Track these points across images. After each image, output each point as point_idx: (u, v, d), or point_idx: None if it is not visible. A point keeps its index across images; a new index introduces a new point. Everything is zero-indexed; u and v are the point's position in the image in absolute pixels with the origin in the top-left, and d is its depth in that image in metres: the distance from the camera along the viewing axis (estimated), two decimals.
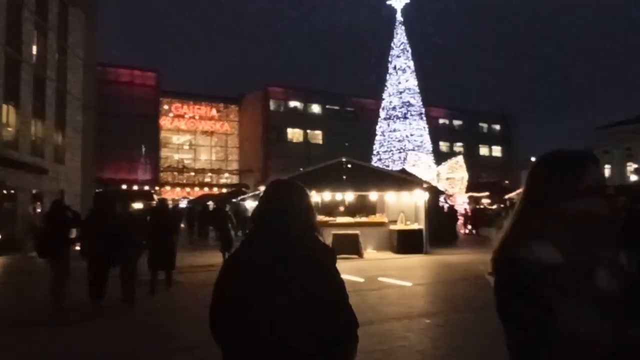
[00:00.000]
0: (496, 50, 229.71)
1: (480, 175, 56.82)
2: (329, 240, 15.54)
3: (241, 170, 67.73)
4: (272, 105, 65.91)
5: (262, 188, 17.34)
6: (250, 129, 66.30)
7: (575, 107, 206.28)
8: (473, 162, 32.09)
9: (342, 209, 19.01)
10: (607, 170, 78.48)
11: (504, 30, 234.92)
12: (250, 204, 25.08)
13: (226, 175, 68.47)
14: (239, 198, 32.64)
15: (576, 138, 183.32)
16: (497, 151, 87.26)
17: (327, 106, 69.19)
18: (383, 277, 11.63)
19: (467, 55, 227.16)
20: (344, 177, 17.36)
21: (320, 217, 18.11)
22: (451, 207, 26.90)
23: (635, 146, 75.97)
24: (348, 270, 13.00)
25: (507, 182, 67.24)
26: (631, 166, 74.80)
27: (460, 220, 27.82)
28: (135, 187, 50.09)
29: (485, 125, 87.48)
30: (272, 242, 1.90)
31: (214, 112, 67.70)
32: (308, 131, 66.24)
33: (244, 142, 68.34)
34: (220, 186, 63.11)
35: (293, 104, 67.59)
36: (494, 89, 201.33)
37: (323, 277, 1.93)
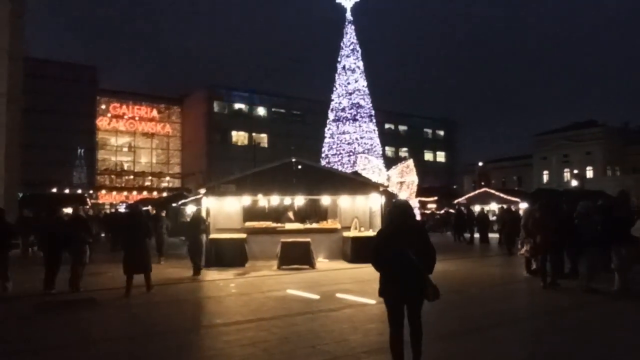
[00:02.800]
0: (440, 56, 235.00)
1: (425, 180, 56.85)
2: (277, 249, 14.19)
3: (183, 174, 65.18)
4: (216, 107, 63.88)
5: (203, 191, 15.78)
6: (193, 131, 64.03)
7: (517, 113, 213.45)
8: (418, 167, 31.42)
9: (291, 214, 17.53)
10: (545, 176, 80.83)
11: (448, 37, 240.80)
12: (191, 209, 23.08)
13: (168, 178, 65.76)
14: (180, 203, 30.64)
15: (516, 144, 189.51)
16: (441, 157, 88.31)
17: (273, 108, 67.73)
18: (341, 293, 10.17)
19: (410, 61, 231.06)
20: (294, 179, 15.90)
21: (267, 224, 16.63)
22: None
23: (572, 153, 78.47)
24: (300, 284, 11.50)
25: (454, 186, 67.88)
26: (568, 172, 77.16)
27: None
28: (67, 191, 46.93)
29: (429, 131, 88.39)
30: (399, 224, 5.21)
31: (154, 113, 64.93)
32: (253, 134, 64.54)
33: (186, 145, 65.88)
34: (161, 190, 60.51)
35: (238, 105, 65.78)
36: (438, 95, 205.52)
37: (420, 233, 5.33)
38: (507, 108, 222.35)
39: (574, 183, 61.37)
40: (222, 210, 16.22)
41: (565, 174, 77.17)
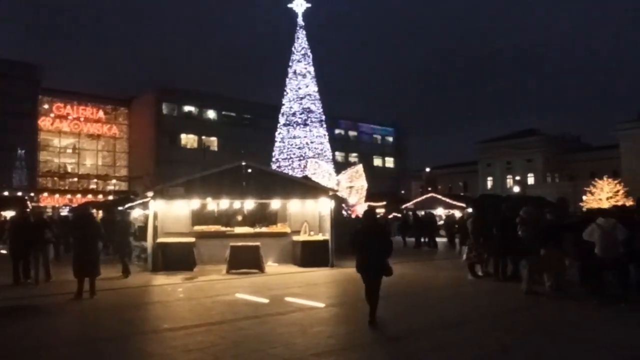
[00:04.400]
0: (390, 64, 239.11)
1: (374, 185, 57.57)
2: (226, 253, 14.07)
3: (130, 177, 63.51)
4: (165, 109, 62.69)
5: (151, 194, 15.47)
6: (141, 133, 62.53)
7: (464, 121, 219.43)
8: (367, 172, 31.89)
9: (240, 218, 17.40)
10: (489, 182, 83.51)
11: (400, 45, 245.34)
12: (138, 213, 22.50)
13: (114, 181, 63.88)
14: (126, 206, 29.83)
15: (463, 151, 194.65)
16: (390, 162, 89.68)
17: (224, 112, 67.10)
18: (290, 297, 10.19)
19: (361, 67, 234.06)
20: (244, 183, 15.81)
21: (216, 227, 16.46)
22: (357, 217, 26.27)
23: (514, 160, 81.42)
24: (249, 288, 11.46)
25: (402, 191, 69.05)
26: (511, 178, 79.98)
27: None
28: (6, 193, 44.78)
29: (379, 137, 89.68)
30: (370, 225, 8.14)
31: (101, 114, 63.04)
32: (203, 137, 63.70)
33: (133, 147, 64.26)
34: (107, 193, 58.70)
35: (187, 108, 64.80)
36: (388, 102, 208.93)
37: (384, 233, 8.46)
38: (454, 116, 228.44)
39: (516, 189, 63.62)
40: (170, 213, 15.95)
41: (508, 180, 79.96)
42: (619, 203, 37.56)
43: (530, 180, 77.04)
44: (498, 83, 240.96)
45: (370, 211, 8.78)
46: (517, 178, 74.88)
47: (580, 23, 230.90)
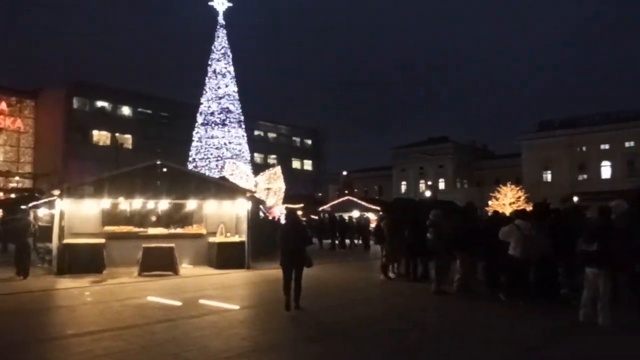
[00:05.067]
0: (312, 68, 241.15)
1: (292, 188, 57.87)
2: (138, 255, 13.60)
3: (35, 174, 59.60)
4: (76, 104, 59.48)
5: (57, 192, 14.64)
6: (48, 128, 58.80)
7: (381, 127, 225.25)
8: (286, 174, 32.03)
9: (154, 218, 16.89)
10: (403, 186, 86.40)
11: (322, 49, 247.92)
12: (43, 212, 21.21)
13: (17, 178, 59.62)
14: (30, 205, 28.04)
15: (379, 156, 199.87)
16: (308, 165, 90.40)
17: (140, 109, 64.68)
18: (205, 300, 10.02)
19: (282, 70, 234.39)
20: (159, 182, 15.36)
21: (128, 228, 15.89)
22: (275, 219, 26.37)
23: (426, 165, 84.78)
24: (162, 291, 11.15)
25: (319, 194, 69.83)
26: (423, 183, 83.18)
27: None
28: None
29: (298, 140, 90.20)
30: (293, 223, 9.62)
31: (3, 105, 58.63)
32: (117, 134, 61.06)
33: (40, 143, 60.28)
34: (8, 191, 54.70)
35: (101, 103, 61.86)
36: (308, 105, 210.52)
37: (303, 229, 9.86)
38: (372, 122, 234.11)
39: (428, 193, 66.20)
40: (79, 213, 15.18)
41: (420, 185, 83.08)
42: (520, 208, 40.11)
43: (442, 185, 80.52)
44: (414, 91, 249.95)
45: (293, 212, 11.24)
46: (429, 183, 78.01)
47: (491, 39, 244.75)
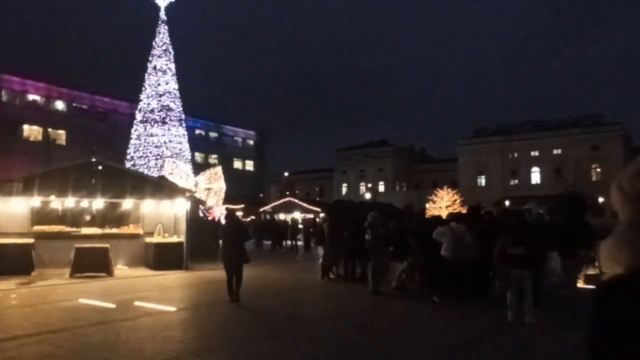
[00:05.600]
0: (255, 68, 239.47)
1: (233, 188, 57.33)
2: (70, 255, 13.08)
3: None
4: (4, 96, 56.46)
5: None
6: None
7: (323, 129, 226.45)
8: (227, 174, 31.64)
9: (88, 218, 16.30)
10: (344, 188, 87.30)
11: (266, 50, 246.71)
12: None
13: None
14: None
15: (321, 158, 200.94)
16: (250, 165, 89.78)
17: (75, 104, 62.14)
18: (140, 301, 9.76)
19: (225, 69, 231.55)
20: (94, 180, 14.84)
21: (60, 228, 15.27)
22: (215, 219, 26.08)
23: (367, 168, 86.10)
24: (95, 293, 10.78)
25: (261, 195, 69.45)
26: (364, 185, 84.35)
27: None
28: None
29: (240, 140, 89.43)
30: (233, 223, 10.91)
31: None
32: (49, 129, 58.37)
33: None
34: None
35: (32, 97, 58.96)
36: (251, 106, 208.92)
37: (243, 228, 11.52)
38: (315, 124, 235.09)
39: (368, 196, 67.19)
40: (5, 212, 14.44)
41: (361, 187, 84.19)
42: (456, 211, 41.44)
43: (381, 188, 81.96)
44: (357, 95, 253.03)
45: (233, 212, 12.92)
46: (370, 185, 79.21)
47: (432, 46, 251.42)
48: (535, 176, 73.74)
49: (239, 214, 42.07)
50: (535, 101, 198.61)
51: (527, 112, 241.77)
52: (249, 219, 39.17)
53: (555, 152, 71.88)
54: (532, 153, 73.31)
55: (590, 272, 12.13)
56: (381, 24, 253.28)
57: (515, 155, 74.53)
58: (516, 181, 74.34)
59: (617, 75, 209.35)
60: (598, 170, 69.28)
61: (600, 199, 60.53)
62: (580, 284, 11.70)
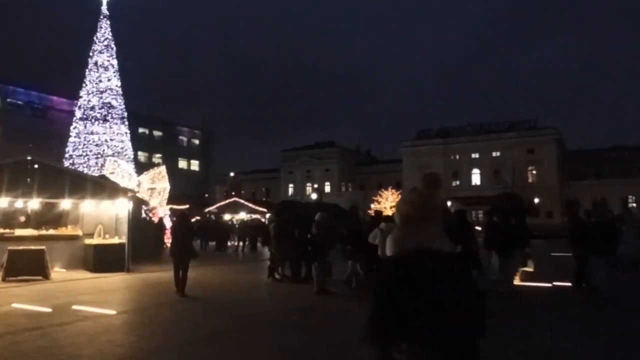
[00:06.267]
0: (201, 68, 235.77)
1: (178, 188, 56.31)
2: (2, 258, 12.49)
3: None
4: None
5: None
6: None
7: (270, 129, 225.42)
8: (172, 174, 31.01)
9: (23, 218, 15.61)
10: (291, 189, 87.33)
11: (213, 48, 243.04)
12: None
13: None
14: None
15: (268, 159, 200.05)
16: (195, 165, 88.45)
17: (9, 99, 59.30)
18: (78, 305, 9.43)
19: (170, 67, 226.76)
20: (29, 179, 14.22)
21: None
22: (160, 220, 25.56)
23: (313, 169, 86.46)
24: (30, 297, 10.35)
25: (206, 195, 68.44)
26: (310, 186, 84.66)
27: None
28: None
29: (185, 139, 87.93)
30: (183, 223, 11.92)
31: None
32: None
33: None
34: None
35: None
36: (196, 104, 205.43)
37: (191, 227, 13.27)
38: (262, 123, 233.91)
39: (314, 196, 67.51)
40: None
41: (307, 187, 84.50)
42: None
43: (328, 188, 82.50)
44: (304, 96, 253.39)
45: (183, 212, 13.76)
46: (316, 186, 79.59)
47: (379, 49, 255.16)
48: (476, 178, 76.23)
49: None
50: (476, 104, 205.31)
51: (468, 115, 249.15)
52: (193, 220, 38.60)
53: (494, 154, 74.54)
54: (473, 155, 75.77)
55: (527, 269, 12.71)
56: (325, 24, 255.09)
57: (457, 157, 76.82)
58: (457, 182, 76.60)
59: (552, 81, 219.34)
60: (534, 172, 72.37)
61: (536, 200, 63.26)
62: (516, 281, 12.23)
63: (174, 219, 30.31)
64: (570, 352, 6.56)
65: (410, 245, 2.39)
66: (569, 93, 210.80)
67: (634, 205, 64.65)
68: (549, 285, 12.24)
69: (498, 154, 73.96)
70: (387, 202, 58.50)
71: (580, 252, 11.75)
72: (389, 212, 44.88)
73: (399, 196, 59.34)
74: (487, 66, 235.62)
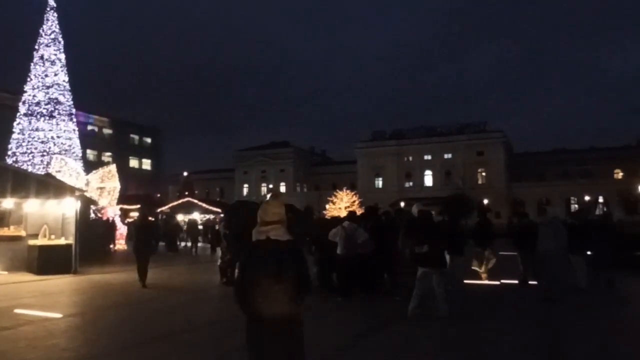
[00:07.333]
0: (152, 64, 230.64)
1: (129, 188, 54.95)
2: None
3: None
4: None
5: None
6: None
7: (225, 129, 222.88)
8: (123, 173, 30.27)
9: None
10: (245, 189, 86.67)
11: (164, 44, 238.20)
12: None
13: None
14: None
15: (221, 158, 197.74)
16: (147, 164, 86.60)
17: None
18: (20, 309, 9.04)
19: (121, 64, 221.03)
20: None
21: None
22: (110, 220, 24.93)
23: (268, 169, 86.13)
24: None
25: (158, 195, 67.04)
26: (265, 186, 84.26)
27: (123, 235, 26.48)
28: None
29: (136, 137, 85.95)
30: (144, 222, 13.80)
31: None
32: None
33: None
34: None
35: None
36: (148, 102, 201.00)
37: (153, 225, 16.26)
38: (215, 123, 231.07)
39: (269, 197, 67.24)
40: None
41: (262, 187, 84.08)
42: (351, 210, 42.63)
43: (283, 188, 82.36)
44: (259, 95, 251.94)
45: (144, 213, 14.98)
46: (271, 186, 79.30)
47: (334, 50, 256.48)
48: (428, 179, 77.74)
49: (136, 214, 40.65)
50: (427, 107, 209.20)
51: (419, 118, 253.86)
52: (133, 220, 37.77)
53: (445, 156, 76.24)
54: (425, 157, 77.26)
55: (475, 267, 13.06)
56: (280, 21, 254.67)
57: (410, 158, 78.13)
58: (411, 183, 77.90)
59: (500, 85, 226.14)
60: (483, 174, 74.43)
61: (485, 201, 65.07)
62: (465, 280, 12.54)
63: (134, 220, 29.68)
64: (505, 339, 6.78)
65: (261, 236, 3.67)
66: (514, 96, 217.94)
67: (576, 206, 67.43)
68: (497, 283, 12.63)
69: (449, 155, 75.68)
70: (342, 202, 58.82)
71: (522, 252, 12.35)
72: (343, 212, 45.22)
73: (354, 197, 60.00)
74: (437, 68, 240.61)
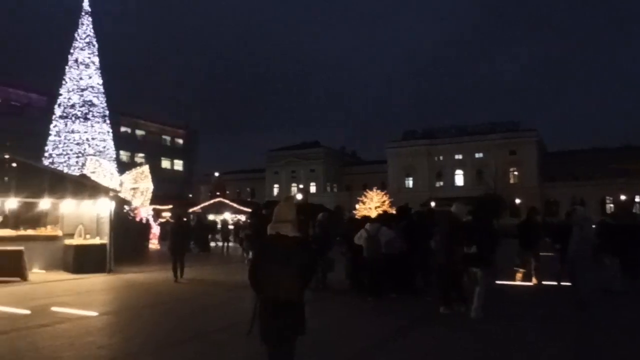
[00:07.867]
0: (186, 65, 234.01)
1: (161, 188, 55.83)
2: None
3: None
4: None
5: None
6: None
7: (255, 130, 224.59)
8: (155, 174, 30.68)
9: (0, 218, 15.25)
10: (276, 189, 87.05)
11: (197, 46, 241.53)
12: None
13: None
14: None
15: (253, 159, 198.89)
16: (179, 165, 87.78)
17: None
18: (57, 307, 9.19)
19: (154, 65, 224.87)
20: (6, 178, 13.88)
21: None
22: (144, 220, 25.34)
23: (299, 169, 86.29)
24: (6, 298, 10.06)
25: (190, 195, 67.90)
26: (295, 186, 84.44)
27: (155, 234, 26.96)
28: None
29: (168, 138, 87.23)
30: (180, 223, 15.26)
31: None
32: None
33: None
34: None
35: None
36: (180, 103, 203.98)
37: (185, 228, 16.58)
38: (247, 123, 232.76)
39: (300, 197, 67.38)
40: None
41: (293, 188, 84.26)
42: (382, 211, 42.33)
43: (313, 189, 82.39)
44: (292, 96, 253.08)
45: (179, 215, 16.69)
46: (301, 186, 79.42)
47: (367, 50, 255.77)
48: (459, 178, 76.67)
49: (168, 214, 41.21)
50: (460, 106, 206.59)
51: (452, 117, 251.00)
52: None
53: (477, 155, 75.05)
54: (456, 156, 76.22)
55: (517, 267, 12.82)
56: (310, 23, 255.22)
57: (441, 158, 77.20)
58: (441, 183, 76.97)
59: (534, 84, 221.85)
60: (515, 173, 73.00)
61: (517, 201, 63.83)
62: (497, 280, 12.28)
63: (168, 220, 30.08)
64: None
65: (273, 232, 4.26)
66: (550, 95, 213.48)
67: (611, 206, 65.57)
68: (531, 284, 12.36)
69: (481, 155, 74.51)
70: (372, 202, 58.51)
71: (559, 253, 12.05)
72: (374, 212, 44.99)
73: (384, 197, 59.62)
74: (469, 66, 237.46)
